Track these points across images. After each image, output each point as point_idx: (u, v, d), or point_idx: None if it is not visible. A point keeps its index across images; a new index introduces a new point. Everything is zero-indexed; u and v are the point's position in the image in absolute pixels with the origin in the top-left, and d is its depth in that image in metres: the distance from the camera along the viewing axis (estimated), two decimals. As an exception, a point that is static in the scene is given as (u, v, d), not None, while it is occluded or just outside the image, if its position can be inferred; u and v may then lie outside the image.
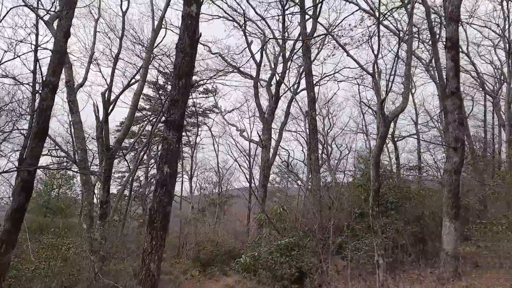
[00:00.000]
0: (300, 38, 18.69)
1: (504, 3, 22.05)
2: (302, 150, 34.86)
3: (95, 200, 17.73)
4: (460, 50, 21.26)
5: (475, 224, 9.74)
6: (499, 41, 25.14)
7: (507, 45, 22.44)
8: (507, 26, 22.62)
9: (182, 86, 6.91)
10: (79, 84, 17.31)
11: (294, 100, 24.41)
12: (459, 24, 17.76)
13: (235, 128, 29.22)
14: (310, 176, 17.48)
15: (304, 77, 17.68)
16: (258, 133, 23.48)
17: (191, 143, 33.05)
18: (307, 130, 21.18)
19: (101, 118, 16.33)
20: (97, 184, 17.44)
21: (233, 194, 33.74)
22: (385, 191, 12.75)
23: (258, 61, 24.04)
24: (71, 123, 16.90)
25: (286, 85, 23.79)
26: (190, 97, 34.62)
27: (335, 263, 11.73)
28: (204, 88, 33.93)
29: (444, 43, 11.08)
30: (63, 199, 29.29)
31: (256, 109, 25.04)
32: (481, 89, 25.79)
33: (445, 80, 12.72)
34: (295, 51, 23.09)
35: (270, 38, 20.63)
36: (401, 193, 12.79)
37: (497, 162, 22.15)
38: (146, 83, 22.85)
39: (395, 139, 28.86)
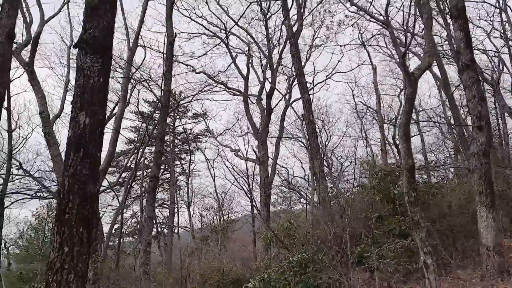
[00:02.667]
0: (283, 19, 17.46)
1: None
2: (302, 166, 33.43)
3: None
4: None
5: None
6: (491, 29, 24.30)
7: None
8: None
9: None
10: (55, 115, 16.14)
11: (290, 107, 23.24)
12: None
13: (229, 149, 27.90)
14: (314, 184, 16.07)
15: (296, 80, 16.55)
16: (253, 150, 22.17)
17: (186, 171, 31.60)
18: (306, 135, 19.57)
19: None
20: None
21: (236, 219, 32.14)
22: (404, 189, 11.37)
23: (245, 75, 23.04)
24: (51, 156, 15.54)
25: (279, 91, 22.59)
26: (180, 123, 33.55)
27: (358, 275, 10.23)
28: (193, 113, 32.82)
29: (449, 14, 9.96)
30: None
31: (249, 126, 23.88)
32: (480, 79, 24.78)
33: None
34: (282, 59, 22.13)
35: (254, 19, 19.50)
36: (421, 189, 11.42)
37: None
38: (132, 114, 21.74)
39: (397, 143, 27.71)
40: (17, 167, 16.48)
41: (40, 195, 16.55)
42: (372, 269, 10.13)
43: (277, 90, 21.78)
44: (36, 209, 27.22)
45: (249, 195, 25.03)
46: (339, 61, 22.49)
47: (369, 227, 11.11)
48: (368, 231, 10.72)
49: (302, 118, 21.22)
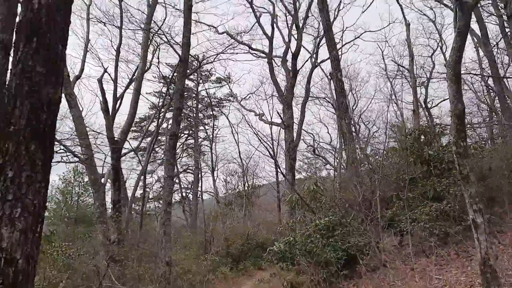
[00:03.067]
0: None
1: None
2: (328, 132, 32.61)
3: (108, 201, 16.18)
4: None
5: None
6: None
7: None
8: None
9: None
10: (76, 76, 15.78)
11: (317, 68, 22.30)
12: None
13: (253, 114, 27.31)
14: (342, 146, 15.43)
15: (324, 38, 15.63)
16: (278, 113, 21.51)
17: (210, 136, 31.30)
18: (334, 94, 18.49)
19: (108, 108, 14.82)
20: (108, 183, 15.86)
21: (260, 185, 31.92)
22: (439, 150, 10.65)
23: (269, 35, 22.16)
24: (72, 118, 15.29)
25: (306, 48, 21.57)
26: (203, 88, 32.98)
27: (389, 240, 9.71)
28: (216, 78, 32.15)
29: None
30: (84, 206, 28.00)
31: (274, 89, 23.16)
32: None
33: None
34: (309, 17, 21.09)
35: None
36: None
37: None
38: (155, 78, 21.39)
39: (429, 106, 26.49)
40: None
41: (66, 159, 16.44)
42: (403, 233, 9.60)
43: (303, 47, 20.82)
44: (63, 173, 27.37)
45: (273, 159, 24.62)
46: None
47: (400, 190, 10.49)
48: (400, 193, 10.10)
49: (330, 77, 20.27)
